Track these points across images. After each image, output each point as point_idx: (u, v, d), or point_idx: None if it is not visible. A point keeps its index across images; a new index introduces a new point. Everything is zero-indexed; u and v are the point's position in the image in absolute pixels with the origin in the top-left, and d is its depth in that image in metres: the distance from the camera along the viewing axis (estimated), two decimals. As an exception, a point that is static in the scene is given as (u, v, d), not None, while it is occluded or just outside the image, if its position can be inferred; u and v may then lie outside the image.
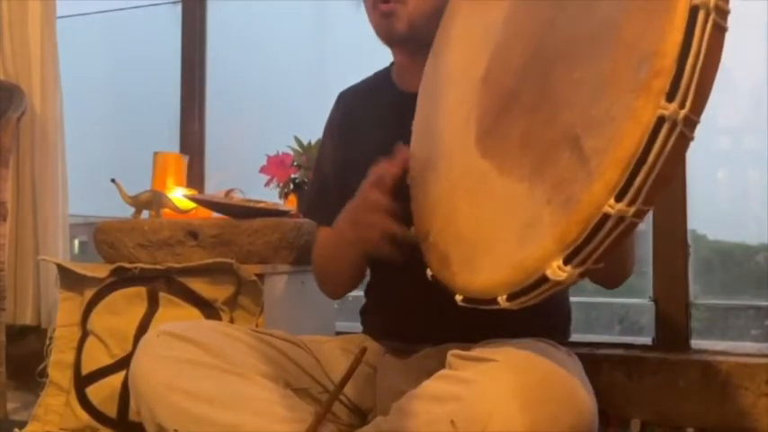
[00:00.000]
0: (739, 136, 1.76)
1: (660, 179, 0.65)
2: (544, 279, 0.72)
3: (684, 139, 0.64)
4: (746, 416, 1.41)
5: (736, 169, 1.82)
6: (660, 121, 0.63)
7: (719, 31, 0.64)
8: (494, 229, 0.82)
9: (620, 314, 1.87)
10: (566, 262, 0.70)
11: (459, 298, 0.85)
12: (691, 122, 0.64)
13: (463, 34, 1.05)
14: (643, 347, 1.58)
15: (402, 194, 1.04)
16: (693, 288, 1.59)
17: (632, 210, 0.66)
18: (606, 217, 0.66)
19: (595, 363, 1.47)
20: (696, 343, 1.57)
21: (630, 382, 1.48)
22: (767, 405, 1.39)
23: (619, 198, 0.65)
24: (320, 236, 1.31)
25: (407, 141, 1.09)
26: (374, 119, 1.27)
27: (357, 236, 1.06)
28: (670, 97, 0.63)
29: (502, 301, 0.76)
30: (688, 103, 0.63)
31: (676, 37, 0.63)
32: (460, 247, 0.88)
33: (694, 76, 0.63)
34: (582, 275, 0.71)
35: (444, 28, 1.11)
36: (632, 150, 0.64)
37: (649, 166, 0.64)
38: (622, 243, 0.68)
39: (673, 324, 1.57)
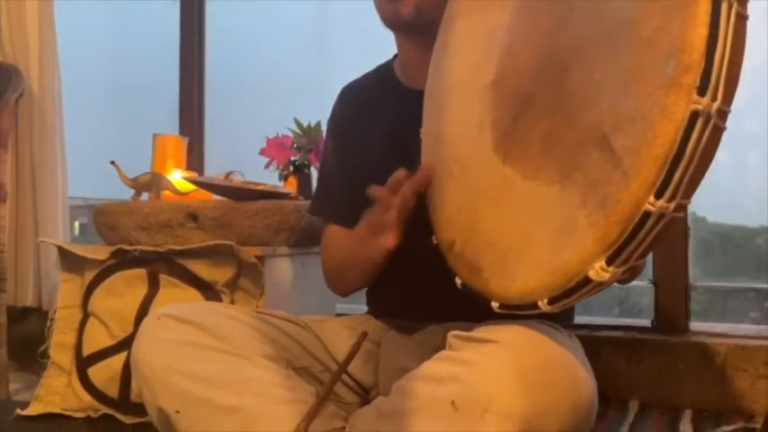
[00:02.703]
0: (739, 118, 1.75)
1: (698, 172, 0.65)
2: (587, 281, 0.72)
3: (718, 131, 0.65)
4: (744, 397, 1.42)
5: (736, 152, 1.81)
6: (694, 115, 0.63)
7: (742, 20, 0.64)
8: (524, 233, 0.82)
9: (619, 296, 1.87)
10: (608, 262, 0.70)
11: (495, 305, 0.84)
12: (723, 114, 0.65)
13: (464, 39, 1.03)
14: (642, 329, 1.59)
15: (418, 203, 1.04)
16: (693, 270, 1.59)
17: (672, 205, 0.66)
18: (647, 215, 0.66)
19: (595, 345, 1.48)
20: (695, 325, 1.57)
21: (629, 364, 1.49)
22: (765, 387, 1.40)
23: (658, 195, 0.65)
24: (329, 234, 1.30)
25: (413, 140, 1.08)
26: (379, 117, 1.26)
27: (372, 237, 1.06)
28: (701, 91, 0.63)
29: (543, 305, 0.77)
30: (719, 96, 0.64)
31: (702, 31, 0.63)
32: (490, 255, 0.87)
33: (723, 69, 0.63)
34: (625, 273, 0.71)
35: (443, 34, 1.09)
36: (667, 147, 0.64)
37: (687, 160, 0.64)
38: (664, 238, 0.69)
39: (672, 306, 1.57)
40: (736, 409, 1.41)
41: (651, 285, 1.60)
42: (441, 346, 0.89)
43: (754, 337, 1.48)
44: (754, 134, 1.71)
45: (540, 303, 0.77)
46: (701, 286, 1.65)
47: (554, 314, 0.85)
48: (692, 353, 1.46)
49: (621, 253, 0.69)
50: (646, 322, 1.61)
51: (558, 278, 0.75)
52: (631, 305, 1.88)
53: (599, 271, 0.71)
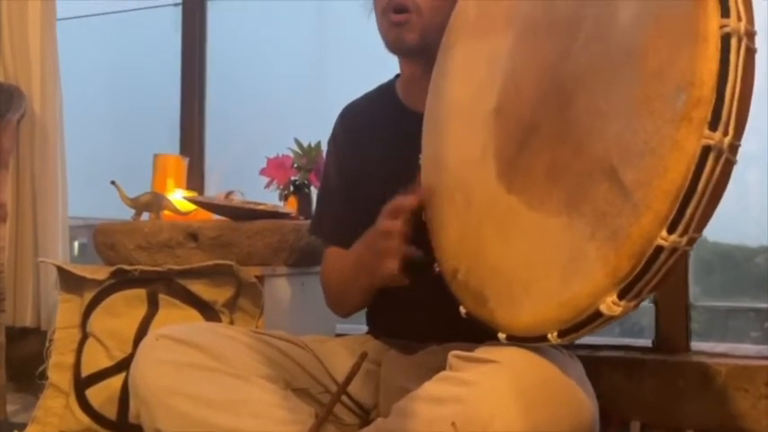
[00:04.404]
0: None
1: (710, 206, 0.65)
2: (598, 315, 0.72)
3: (730, 165, 0.65)
4: (746, 418, 1.41)
5: (735, 171, 1.81)
6: (706, 150, 0.64)
7: (751, 54, 0.65)
8: (531, 264, 0.81)
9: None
10: (620, 296, 0.70)
11: (502, 336, 0.84)
12: (734, 148, 0.65)
13: (464, 64, 1.03)
14: (643, 349, 1.58)
15: (419, 230, 1.03)
16: (693, 290, 1.58)
17: (685, 239, 0.66)
18: (660, 249, 0.66)
19: (596, 364, 1.47)
20: (696, 345, 1.56)
21: (630, 384, 1.48)
22: (767, 407, 1.39)
23: (671, 230, 0.65)
24: (330, 255, 1.29)
25: (414, 163, 1.08)
26: (380, 138, 1.25)
27: (374, 263, 1.05)
28: (713, 126, 0.63)
29: (552, 338, 0.76)
30: (731, 130, 0.64)
31: (712, 66, 0.64)
32: (496, 285, 0.87)
33: (734, 103, 0.63)
34: (636, 307, 0.71)
35: (442, 58, 1.09)
36: (679, 181, 0.64)
37: (699, 195, 0.64)
38: (675, 271, 0.69)
39: (673, 326, 1.57)
40: (737, 430, 1.40)
41: (652, 305, 1.59)
42: (441, 366, 0.89)
43: (756, 357, 1.47)
44: (754, 154, 1.71)
45: (549, 336, 0.77)
46: (701, 306, 1.64)
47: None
48: (693, 373, 1.45)
49: (633, 287, 0.69)
50: (646, 342, 1.60)
51: (568, 311, 0.75)
52: (632, 325, 1.87)
53: (610, 305, 0.70)
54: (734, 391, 1.42)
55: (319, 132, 1.41)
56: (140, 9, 2.49)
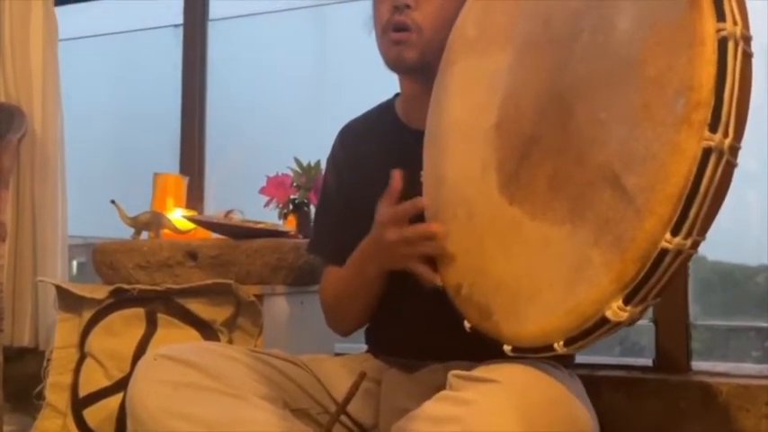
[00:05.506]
0: (739, 157, 1.75)
1: (713, 208, 0.66)
2: (604, 321, 0.72)
3: (731, 167, 0.66)
4: (748, 438, 1.40)
5: (735, 190, 1.81)
6: (707, 152, 0.64)
7: (748, 58, 0.66)
8: (535, 274, 0.82)
9: (620, 335, 1.86)
10: (626, 301, 0.70)
11: (507, 348, 0.84)
12: (735, 150, 0.66)
13: (464, 82, 1.04)
14: (643, 369, 1.57)
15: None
16: (693, 309, 1.58)
17: (689, 242, 0.66)
18: (664, 252, 0.67)
19: (596, 384, 1.46)
20: (697, 364, 1.56)
21: (631, 404, 1.48)
22: (769, 427, 1.39)
23: (675, 232, 0.66)
24: (329, 275, 1.29)
25: (414, 180, 1.08)
26: (380, 156, 1.25)
27: (386, 255, 1.05)
28: (713, 128, 0.64)
29: (559, 347, 0.77)
30: (731, 132, 0.65)
31: (710, 69, 0.65)
32: (500, 297, 0.87)
33: (733, 105, 0.64)
34: (642, 312, 0.71)
35: (443, 76, 1.09)
36: (682, 184, 0.65)
37: (701, 197, 0.65)
38: (680, 275, 0.69)
39: (673, 345, 1.56)
40: (740, 450, 1.40)
41: (652, 324, 1.59)
42: (441, 385, 0.89)
43: (757, 377, 1.46)
44: (753, 172, 1.71)
45: (555, 345, 0.77)
46: (701, 325, 1.64)
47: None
48: (694, 392, 1.44)
49: (639, 291, 0.69)
50: (647, 361, 1.60)
51: (574, 319, 0.75)
52: (632, 344, 1.86)
53: (616, 311, 0.70)
54: (735, 411, 1.41)
55: (319, 151, 1.41)
56: (142, 30, 2.51)
